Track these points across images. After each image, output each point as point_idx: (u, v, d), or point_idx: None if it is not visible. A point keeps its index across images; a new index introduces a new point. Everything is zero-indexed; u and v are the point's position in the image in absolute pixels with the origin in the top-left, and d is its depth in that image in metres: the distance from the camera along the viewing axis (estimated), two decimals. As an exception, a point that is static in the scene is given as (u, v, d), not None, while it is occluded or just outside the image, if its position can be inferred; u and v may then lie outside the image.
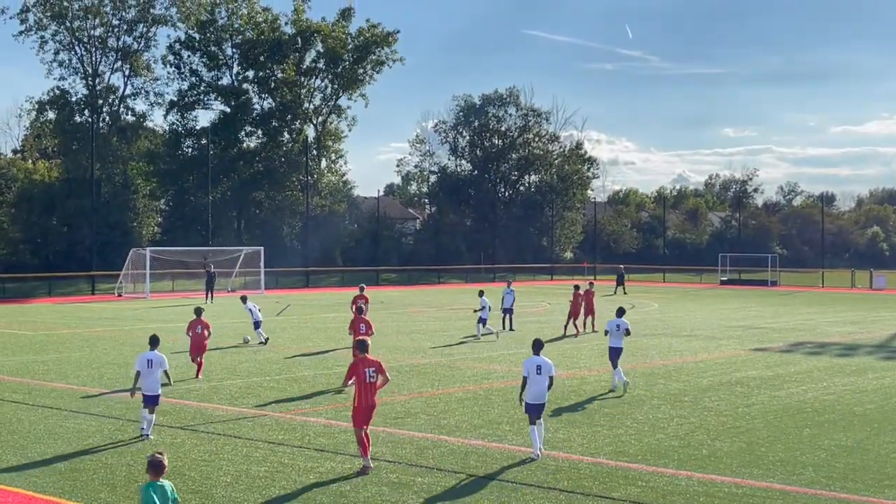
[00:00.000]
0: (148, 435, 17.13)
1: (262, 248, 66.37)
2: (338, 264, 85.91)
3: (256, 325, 32.99)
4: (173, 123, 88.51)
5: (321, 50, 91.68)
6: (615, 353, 23.45)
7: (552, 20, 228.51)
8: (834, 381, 24.78)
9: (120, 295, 60.71)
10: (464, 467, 15.19)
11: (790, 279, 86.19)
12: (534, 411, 16.12)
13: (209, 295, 55.29)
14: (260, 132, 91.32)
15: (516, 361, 27.88)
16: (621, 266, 73.80)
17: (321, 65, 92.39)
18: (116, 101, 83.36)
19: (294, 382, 23.88)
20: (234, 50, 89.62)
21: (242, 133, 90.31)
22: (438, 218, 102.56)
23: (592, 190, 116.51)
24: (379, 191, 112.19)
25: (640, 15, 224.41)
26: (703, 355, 30.23)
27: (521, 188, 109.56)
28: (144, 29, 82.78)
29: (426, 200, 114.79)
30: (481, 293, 36.68)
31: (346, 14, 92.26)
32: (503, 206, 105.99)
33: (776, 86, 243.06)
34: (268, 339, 32.66)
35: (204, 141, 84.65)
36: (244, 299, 34.73)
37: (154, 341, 17.89)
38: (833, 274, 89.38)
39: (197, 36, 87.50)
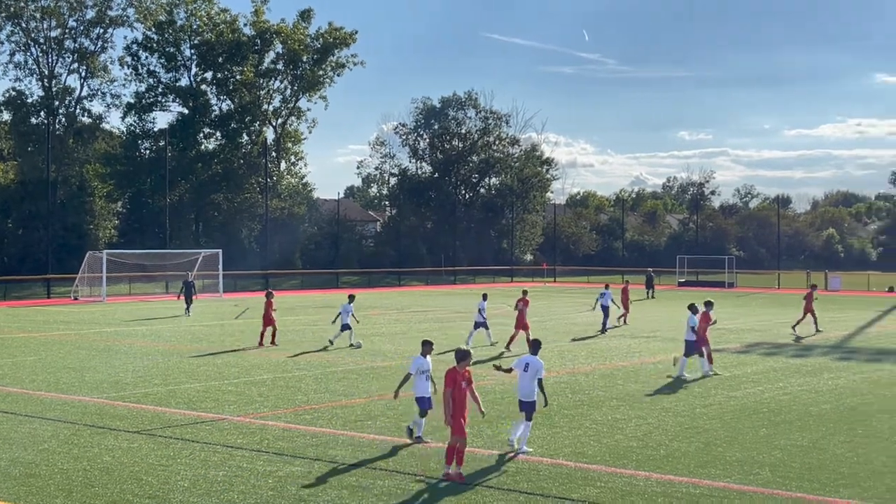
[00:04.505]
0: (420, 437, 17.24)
1: (221, 250, 65.93)
2: (297, 267, 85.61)
3: (344, 327, 33.12)
4: (131, 125, 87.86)
5: (280, 51, 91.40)
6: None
7: (510, 24, 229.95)
8: (790, 381, 25.02)
9: (76, 298, 60.09)
10: (425, 469, 15.17)
11: (747, 281, 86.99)
12: (521, 408, 16.52)
13: (188, 306, 48.34)
14: (218, 134, 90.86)
15: (475, 364, 27.92)
16: (650, 269, 72.42)
17: (280, 66, 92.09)
18: (73, 102, 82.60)
19: (253, 386, 23.76)
20: (192, 51, 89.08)
21: (201, 135, 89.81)
22: (399, 220, 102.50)
23: (552, 192, 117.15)
24: (339, 193, 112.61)
25: (597, 18, 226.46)
26: (662, 356, 30.41)
27: (482, 191, 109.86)
28: (101, 30, 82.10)
29: (386, 203, 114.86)
30: (485, 296, 35.32)
31: (305, 16, 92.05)
32: (464, 209, 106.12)
33: (731, 89, 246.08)
34: (360, 344, 32.71)
35: (161, 143, 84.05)
36: (351, 298, 34.91)
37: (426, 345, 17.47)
38: (789, 275, 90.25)
39: (155, 37, 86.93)
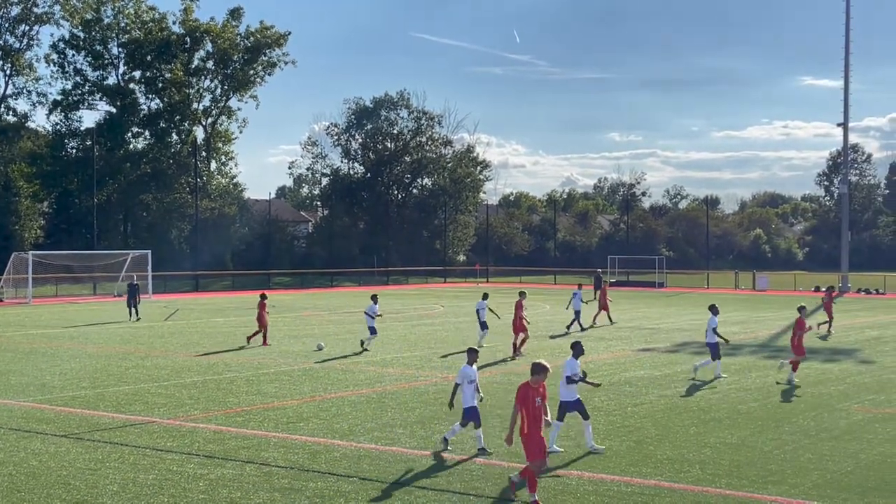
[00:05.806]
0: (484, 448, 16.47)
1: (150, 251, 64.94)
2: (228, 268, 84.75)
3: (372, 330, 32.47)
4: (57, 124, 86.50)
5: (210, 50, 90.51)
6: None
7: (441, 24, 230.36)
8: (719, 380, 25.33)
9: (1, 300, 58.91)
10: (357, 471, 15.11)
11: (676, 281, 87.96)
12: (559, 409, 17.40)
13: (132, 311, 44.42)
14: (147, 133, 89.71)
15: (409, 364, 27.93)
16: (598, 270, 71.87)
17: (210, 65, 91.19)
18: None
19: (183, 388, 23.47)
20: (120, 49, 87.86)
21: (129, 134, 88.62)
22: (331, 221, 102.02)
23: (484, 193, 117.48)
24: (270, 193, 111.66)
25: (527, 20, 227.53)
26: (593, 356, 30.62)
27: (415, 191, 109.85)
28: (27, 27, 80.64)
29: (318, 203, 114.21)
30: (485, 296, 35.07)
31: (235, 14, 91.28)
32: (396, 209, 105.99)
33: (660, 91, 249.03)
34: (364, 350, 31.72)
35: (89, 142, 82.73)
36: (374, 298, 33.63)
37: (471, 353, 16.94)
38: (718, 275, 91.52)
39: (82, 34, 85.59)
